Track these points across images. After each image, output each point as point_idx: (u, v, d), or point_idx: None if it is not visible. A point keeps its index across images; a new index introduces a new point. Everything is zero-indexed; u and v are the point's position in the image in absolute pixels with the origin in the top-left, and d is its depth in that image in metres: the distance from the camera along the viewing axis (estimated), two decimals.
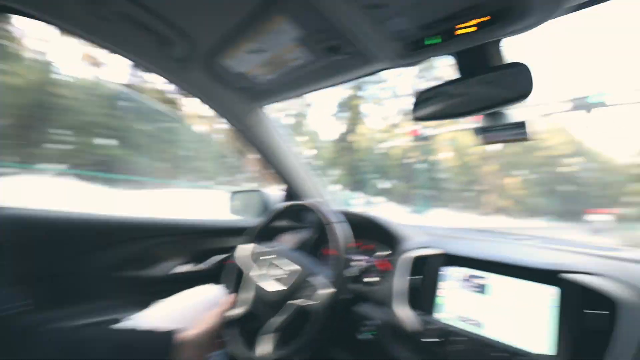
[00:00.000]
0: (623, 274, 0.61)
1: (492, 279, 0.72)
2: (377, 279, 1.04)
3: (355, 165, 19.77)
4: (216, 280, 1.08)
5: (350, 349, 0.93)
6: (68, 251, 0.93)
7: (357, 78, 0.86)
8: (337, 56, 0.75)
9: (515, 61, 0.61)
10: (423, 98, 0.74)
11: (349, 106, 20.45)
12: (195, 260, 1.19)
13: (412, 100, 0.76)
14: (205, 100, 1.08)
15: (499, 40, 0.65)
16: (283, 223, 1.40)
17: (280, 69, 0.85)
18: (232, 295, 0.94)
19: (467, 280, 0.76)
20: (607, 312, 0.56)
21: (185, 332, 0.76)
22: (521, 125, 0.72)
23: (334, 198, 1.49)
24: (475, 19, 0.56)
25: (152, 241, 1.07)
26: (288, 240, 1.29)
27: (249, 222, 1.38)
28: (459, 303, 0.75)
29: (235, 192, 1.64)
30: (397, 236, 0.98)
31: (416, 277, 0.83)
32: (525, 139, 0.75)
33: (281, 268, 0.85)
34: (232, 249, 1.28)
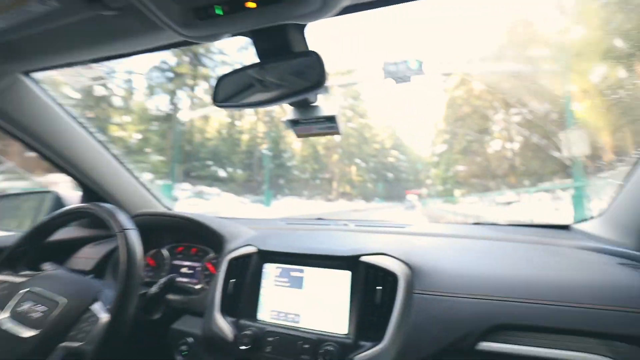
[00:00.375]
0: (404, 249, 0.71)
1: (306, 272, 0.71)
2: (200, 286, 0.92)
3: (186, 150, 16.25)
4: None
5: None
6: None
7: (149, 50, 0.69)
8: (101, 10, 0.55)
9: (308, 50, 0.59)
10: (224, 82, 0.66)
11: (178, 78, 16.28)
12: None
13: (214, 84, 0.66)
14: None
15: (298, 25, 0.62)
16: (82, 233, 1.09)
17: (15, 12, 0.58)
18: None
19: (284, 275, 0.73)
20: (381, 288, 0.62)
21: None
22: (332, 119, 0.73)
23: (155, 194, 1.25)
24: None
25: None
26: (87, 255, 1.00)
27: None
28: (278, 300, 0.71)
29: (4, 196, 1.17)
30: (221, 236, 0.88)
31: (236, 279, 0.75)
32: (337, 133, 0.77)
33: (44, 302, 0.61)
34: None
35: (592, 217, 0.89)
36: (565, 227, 0.97)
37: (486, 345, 0.54)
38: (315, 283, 0.70)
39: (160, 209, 1.26)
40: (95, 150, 1.04)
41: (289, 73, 0.59)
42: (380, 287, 0.62)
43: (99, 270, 0.96)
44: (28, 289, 0.65)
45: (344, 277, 0.67)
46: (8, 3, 0.56)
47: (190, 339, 0.73)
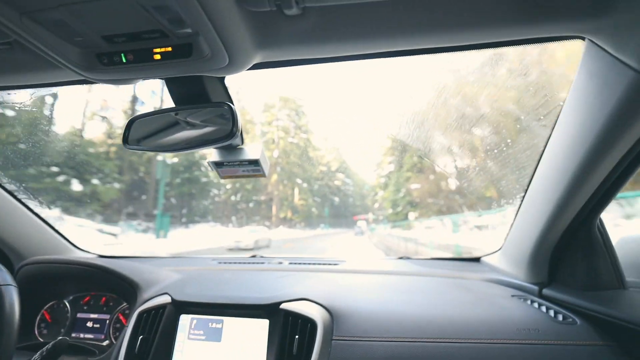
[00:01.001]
0: (328, 291, 0.71)
1: (225, 322, 0.67)
2: (107, 342, 0.81)
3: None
4: None
5: None
6: None
7: (45, 85, 0.64)
8: None
9: (222, 101, 0.59)
10: (136, 124, 0.63)
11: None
12: None
13: (125, 125, 0.63)
14: None
15: (222, 79, 0.63)
16: None
17: None
18: None
19: (201, 327, 0.68)
20: (298, 337, 0.61)
21: None
22: (255, 162, 0.73)
23: (62, 233, 1.11)
24: (163, 47, 0.49)
25: None
26: None
27: None
28: (192, 357, 0.65)
29: None
30: (134, 283, 0.80)
31: (145, 335, 0.67)
32: (262, 176, 0.78)
33: None
34: None
35: (497, 250, 1.00)
36: (477, 260, 1.08)
37: None
38: (234, 334, 0.66)
39: (69, 251, 1.11)
40: None
41: (203, 120, 0.59)
42: (297, 336, 0.61)
43: None
44: None
45: (261, 326, 0.65)
46: None
47: None
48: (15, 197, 0.98)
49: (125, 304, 0.86)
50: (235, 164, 0.76)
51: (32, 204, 1.04)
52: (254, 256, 1.28)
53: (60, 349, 0.63)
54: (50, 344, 0.63)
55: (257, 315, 0.66)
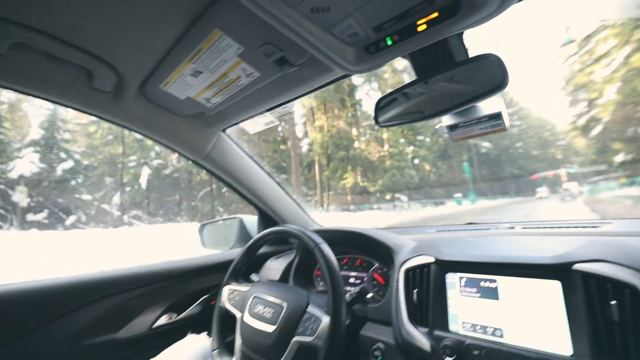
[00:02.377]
0: (621, 254, 0.57)
1: (499, 282, 0.67)
2: (378, 296, 0.97)
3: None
4: (203, 327, 0.98)
5: None
6: (18, 329, 0.80)
7: (319, 88, 0.80)
8: (289, 68, 0.68)
9: (484, 53, 0.56)
10: (384, 103, 0.70)
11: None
12: (176, 308, 1.08)
13: (374, 106, 0.72)
14: (150, 133, 0.96)
15: (461, 34, 0.61)
16: (266, 249, 1.32)
17: (231, 88, 0.77)
18: (220, 348, 0.85)
19: (472, 285, 0.70)
20: (616, 302, 0.52)
21: None
22: (497, 116, 0.68)
23: (308, 214, 1.41)
24: (428, 15, 0.50)
25: (122, 296, 0.96)
26: (273, 267, 1.21)
27: (226, 255, 1.28)
28: (470, 312, 0.68)
29: (204, 224, 1.54)
30: (388, 248, 0.92)
31: (418, 289, 0.76)
32: (502, 130, 0.72)
33: (271, 305, 0.77)
34: (214, 287, 1.18)
35: None
36: None
37: None
38: (514, 294, 0.64)
39: (313, 226, 1.41)
40: (266, 181, 1.27)
41: (464, 81, 0.58)
42: (615, 302, 0.52)
43: (284, 279, 1.15)
44: (254, 295, 0.83)
45: (552, 288, 0.59)
46: (227, 83, 0.75)
47: (381, 345, 0.78)
48: (283, 188, 1.33)
49: (377, 264, 1.01)
50: (472, 123, 0.72)
51: (291, 191, 1.38)
52: (469, 223, 1.22)
53: (362, 294, 0.82)
54: (358, 287, 0.83)
55: (540, 276, 0.61)
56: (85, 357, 0.88)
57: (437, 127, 0.79)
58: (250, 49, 0.63)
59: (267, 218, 1.34)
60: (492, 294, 0.66)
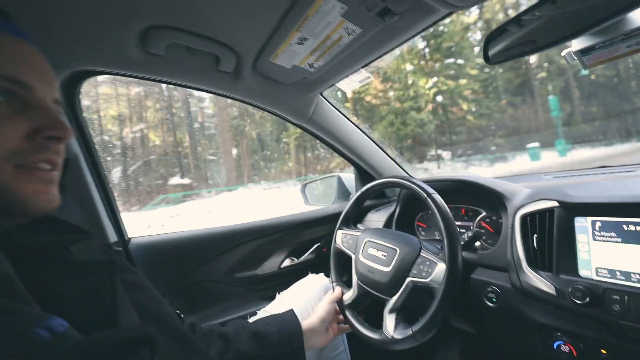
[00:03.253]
0: None
1: None
2: (486, 244, 0.96)
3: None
4: (318, 269, 1.15)
5: (472, 318, 0.89)
6: (191, 264, 1.09)
7: (418, 33, 0.77)
8: (391, 18, 0.67)
9: None
10: (494, 36, 0.64)
11: None
12: (295, 253, 1.28)
13: (482, 42, 0.66)
14: (262, 104, 1.10)
15: None
16: (366, 202, 1.40)
17: (332, 50, 0.81)
18: (339, 281, 0.99)
19: (609, 229, 0.64)
20: None
21: (306, 320, 0.83)
22: None
23: (404, 167, 1.41)
24: None
25: (256, 243, 1.19)
26: (374, 219, 1.29)
27: (330, 209, 1.41)
28: (608, 257, 0.63)
29: (305, 184, 1.69)
30: (500, 194, 0.88)
31: (538, 235, 0.73)
32: None
33: (384, 249, 0.85)
34: (324, 237, 1.34)
35: None
36: None
37: None
38: None
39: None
40: (361, 138, 1.32)
41: None
42: None
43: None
44: (367, 239, 0.92)
45: None
46: (329, 45, 0.79)
47: (495, 288, 0.79)
48: (378, 145, 1.36)
49: (484, 213, 0.99)
50: (616, 41, 0.60)
51: (385, 146, 1.40)
52: (602, 166, 1.05)
53: (475, 238, 0.83)
54: (472, 232, 0.85)
55: None
56: (237, 286, 1.15)
57: (563, 54, 0.69)
58: (353, 6, 0.64)
59: (364, 174, 1.41)
60: (635, 238, 0.59)
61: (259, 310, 0.97)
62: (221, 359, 0.68)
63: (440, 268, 0.72)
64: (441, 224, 0.74)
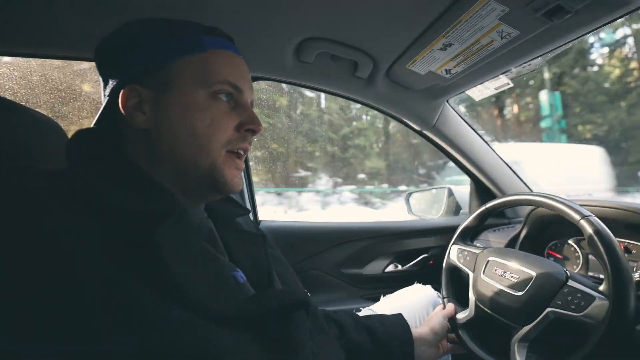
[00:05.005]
0: None
1: None
2: None
3: None
4: (423, 280, 1.11)
5: None
6: (305, 252, 1.19)
7: (586, 33, 0.68)
8: (561, 17, 0.61)
9: None
10: None
11: None
12: (399, 260, 1.27)
13: None
14: (387, 109, 1.13)
15: None
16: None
17: (477, 55, 0.78)
18: (450, 297, 0.94)
19: None
20: None
21: (416, 329, 0.81)
22: None
23: (526, 183, 1.24)
24: None
25: (363, 243, 1.22)
26: (491, 239, 1.17)
27: (439, 221, 1.34)
28: None
29: (410, 193, 1.65)
30: None
31: None
32: None
33: (514, 272, 0.77)
34: (431, 248, 1.28)
35: None
36: None
37: None
38: None
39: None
40: (484, 150, 1.22)
41: None
42: None
43: None
44: (490, 258, 0.84)
45: None
46: (475, 50, 0.77)
47: None
48: (500, 157, 1.24)
49: None
50: None
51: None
52: None
53: None
54: None
55: None
56: (343, 281, 1.21)
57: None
58: (517, 7, 0.61)
59: (483, 189, 1.30)
60: None
61: (362, 308, 0.99)
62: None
63: (600, 304, 0.60)
64: (603, 251, 0.62)
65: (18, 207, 0.32)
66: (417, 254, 1.27)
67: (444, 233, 1.29)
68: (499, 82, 0.98)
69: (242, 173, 0.55)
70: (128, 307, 0.31)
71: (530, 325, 0.69)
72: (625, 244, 0.86)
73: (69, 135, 0.47)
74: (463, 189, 1.46)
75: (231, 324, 0.37)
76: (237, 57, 0.52)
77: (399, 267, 1.25)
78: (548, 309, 0.67)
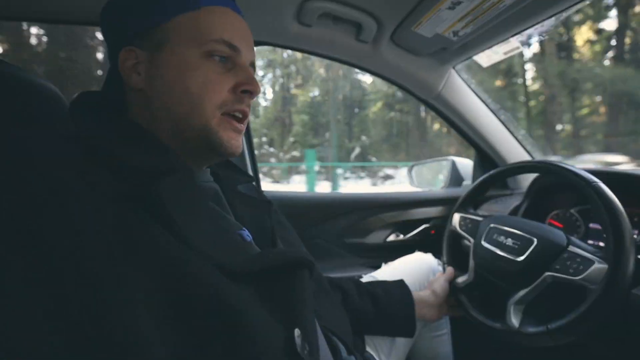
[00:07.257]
0: None
1: None
2: None
3: None
4: (424, 249, 1.13)
5: (620, 344, 0.74)
6: (308, 222, 1.20)
7: None
8: None
9: None
10: None
11: None
12: (401, 230, 1.28)
13: None
14: (392, 76, 1.09)
15: None
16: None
17: (487, 14, 0.75)
18: (450, 259, 0.96)
19: None
20: None
21: (417, 292, 0.83)
22: None
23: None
24: None
25: (365, 213, 1.23)
26: (493, 210, 1.17)
27: (441, 192, 1.35)
28: None
29: (413, 165, 1.64)
30: None
31: None
32: None
33: (514, 237, 0.78)
34: (432, 219, 1.29)
35: None
36: None
37: None
38: None
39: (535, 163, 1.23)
40: (491, 120, 1.19)
41: None
42: None
43: None
44: (492, 225, 0.85)
45: None
46: (486, 8, 0.73)
47: None
48: (506, 127, 1.22)
49: None
50: None
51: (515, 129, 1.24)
52: None
53: None
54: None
55: None
56: (345, 249, 1.23)
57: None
58: None
59: (488, 160, 1.28)
60: None
61: (364, 275, 1.01)
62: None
63: (599, 268, 0.61)
64: (603, 212, 0.62)
65: (46, 173, 0.31)
66: (419, 224, 1.28)
67: (446, 204, 1.29)
68: (509, 46, 0.94)
69: (242, 138, 0.54)
70: (148, 249, 0.32)
71: (528, 289, 0.70)
72: (629, 211, 0.86)
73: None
74: (466, 161, 1.45)
75: (237, 277, 0.38)
76: (235, 15, 0.50)
77: (401, 236, 1.27)
78: (546, 273, 0.68)
